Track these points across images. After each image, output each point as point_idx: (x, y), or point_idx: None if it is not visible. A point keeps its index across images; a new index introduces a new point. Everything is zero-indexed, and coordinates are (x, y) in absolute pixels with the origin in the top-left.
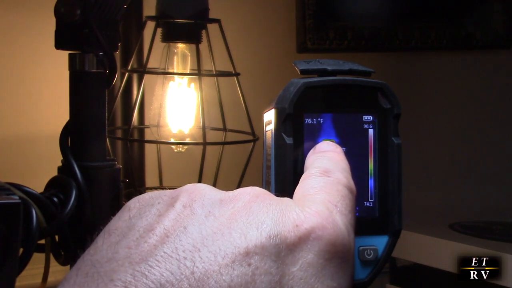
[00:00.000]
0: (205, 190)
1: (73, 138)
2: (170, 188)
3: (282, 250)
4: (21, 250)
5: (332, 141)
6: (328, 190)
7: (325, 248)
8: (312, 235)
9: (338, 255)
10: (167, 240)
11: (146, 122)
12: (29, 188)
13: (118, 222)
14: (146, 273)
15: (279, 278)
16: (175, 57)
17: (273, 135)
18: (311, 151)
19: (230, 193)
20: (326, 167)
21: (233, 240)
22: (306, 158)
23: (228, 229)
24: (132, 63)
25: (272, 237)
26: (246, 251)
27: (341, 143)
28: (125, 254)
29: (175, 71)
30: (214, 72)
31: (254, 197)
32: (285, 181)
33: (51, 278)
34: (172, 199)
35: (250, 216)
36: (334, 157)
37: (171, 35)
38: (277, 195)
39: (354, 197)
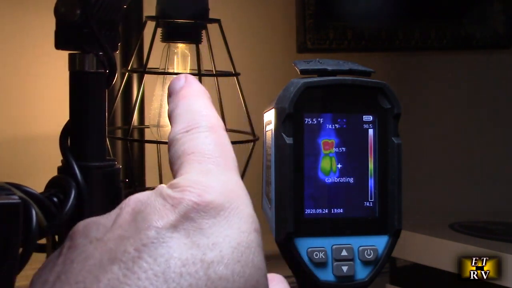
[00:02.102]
0: (85, 222)
1: (73, 138)
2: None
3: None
4: (20, 249)
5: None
6: (193, 157)
7: (191, 215)
8: (186, 215)
9: (208, 215)
10: (58, 281)
11: (146, 122)
12: (29, 188)
13: None
14: None
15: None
16: (175, 57)
17: (273, 135)
18: (169, 93)
19: (111, 213)
20: (184, 121)
21: (120, 255)
22: (169, 101)
23: (114, 245)
24: (132, 63)
25: (152, 229)
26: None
27: (341, 143)
28: None
29: (175, 71)
30: (214, 72)
31: (131, 209)
32: (285, 181)
33: None
34: (60, 249)
35: (130, 228)
36: (187, 98)
37: (171, 35)
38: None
39: (219, 130)
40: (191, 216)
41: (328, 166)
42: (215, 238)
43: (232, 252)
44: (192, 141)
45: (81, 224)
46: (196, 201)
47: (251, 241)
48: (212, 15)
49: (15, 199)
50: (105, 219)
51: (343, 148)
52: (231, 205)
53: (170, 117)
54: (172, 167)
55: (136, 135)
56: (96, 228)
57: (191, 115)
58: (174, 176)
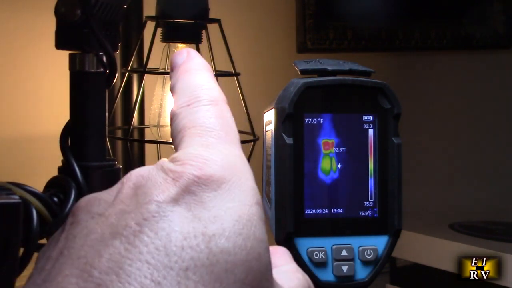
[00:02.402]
0: (87, 198)
1: (73, 138)
2: None
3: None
4: (21, 250)
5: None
6: (194, 131)
7: (193, 189)
8: (187, 188)
9: (209, 188)
10: (61, 256)
11: (146, 122)
12: (31, 187)
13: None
14: None
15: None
16: None
17: (273, 135)
18: (171, 67)
19: (113, 188)
20: (185, 96)
21: (122, 229)
22: (171, 75)
23: (116, 220)
24: (132, 63)
25: (153, 204)
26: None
27: (341, 143)
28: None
29: None
30: (214, 72)
31: (133, 184)
32: (285, 181)
33: None
34: (63, 225)
35: (131, 203)
36: (188, 72)
37: (171, 35)
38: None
39: (220, 103)
40: (192, 190)
41: (328, 166)
42: (217, 211)
43: (234, 225)
44: (193, 114)
45: (83, 200)
46: (197, 174)
47: (253, 214)
48: (212, 15)
49: (15, 199)
50: (106, 195)
51: (343, 148)
52: (232, 178)
53: (172, 91)
54: (173, 141)
55: (136, 135)
56: (98, 204)
57: (192, 89)
58: (176, 150)
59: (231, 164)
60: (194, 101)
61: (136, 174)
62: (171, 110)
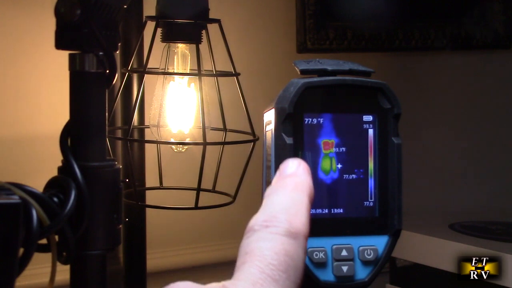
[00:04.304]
0: None
1: (73, 138)
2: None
3: None
4: (21, 250)
5: (302, 163)
6: (257, 262)
7: None
8: None
9: None
10: None
11: (146, 122)
12: (30, 188)
13: None
14: None
15: None
16: (175, 57)
17: (273, 135)
18: (278, 173)
19: None
20: (269, 214)
21: None
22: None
23: None
24: (132, 63)
25: None
26: None
27: (341, 143)
28: None
29: (175, 71)
30: (214, 72)
31: None
32: None
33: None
34: None
35: None
36: (286, 189)
37: (171, 35)
38: None
39: (299, 238)
40: None
41: (328, 166)
42: None
43: None
44: (265, 242)
45: None
46: None
47: None
48: (212, 15)
49: (15, 199)
50: None
51: (343, 148)
52: None
53: (264, 195)
54: (238, 256)
55: (136, 135)
56: None
57: (278, 210)
58: (235, 267)
59: None
60: (273, 225)
61: None
62: (250, 222)
